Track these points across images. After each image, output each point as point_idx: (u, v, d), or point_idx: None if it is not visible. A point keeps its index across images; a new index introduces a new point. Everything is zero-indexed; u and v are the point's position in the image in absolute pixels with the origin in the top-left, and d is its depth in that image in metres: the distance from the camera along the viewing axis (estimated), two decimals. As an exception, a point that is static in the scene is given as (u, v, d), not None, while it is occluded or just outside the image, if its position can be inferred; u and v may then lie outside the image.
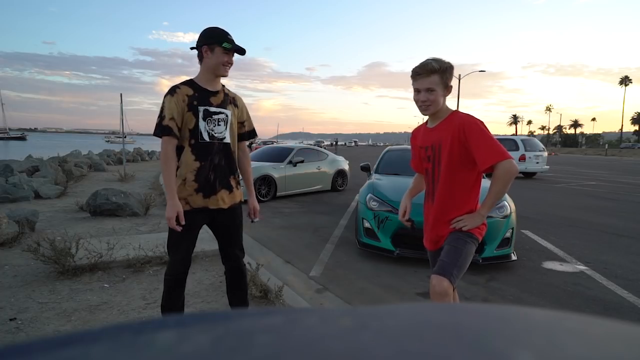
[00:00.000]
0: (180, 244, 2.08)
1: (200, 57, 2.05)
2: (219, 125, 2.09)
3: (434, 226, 1.95)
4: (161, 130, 1.98)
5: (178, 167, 2.03)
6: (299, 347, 0.23)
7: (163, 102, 2.00)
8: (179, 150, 2.04)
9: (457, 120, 1.81)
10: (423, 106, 1.82)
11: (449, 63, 1.79)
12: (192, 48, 2.07)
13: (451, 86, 1.83)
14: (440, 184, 1.89)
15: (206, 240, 3.75)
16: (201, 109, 2.03)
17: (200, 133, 2.04)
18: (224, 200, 2.13)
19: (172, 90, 2.02)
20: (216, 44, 2.00)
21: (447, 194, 1.88)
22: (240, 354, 0.22)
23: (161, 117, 1.98)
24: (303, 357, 0.22)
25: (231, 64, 2.07)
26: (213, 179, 2.08)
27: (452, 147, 1.81)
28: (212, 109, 2.07)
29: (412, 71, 1.83)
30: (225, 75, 2.08)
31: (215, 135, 2.09)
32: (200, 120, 2.03)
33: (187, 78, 2.12)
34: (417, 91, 1.82)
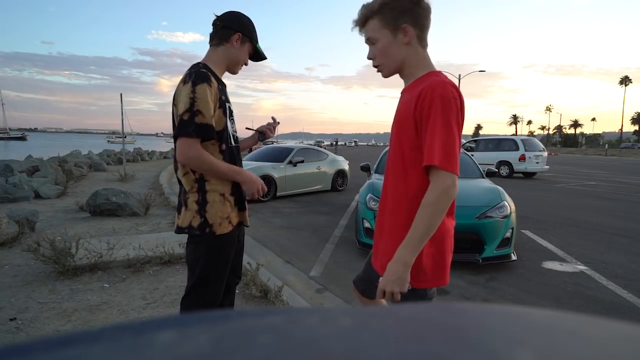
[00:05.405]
0: (226, 269, 1.71)
1: (222, 40, 1.67)
2: (235, 125, 1.79)
3: (377, 239, 1.35)
4: (199, 129, 1.50)
5: (206, 181, 1.61)
6: (299, 347, 0.23)
7: (194, 91, 1.51)
8: None
9: (422, 84, 1.18)
10: (378, 69, 1.31)
11: None
12: (217, 22, 1.66)
13: (406, 26, 1.21)
14: (386, 178, 1.31)
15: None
16: (227, 105, 1.68)
17: (229, 135, 1.69)
18: (247, 214, 1.83)
19: (207, 78, 1.55)
20: (250, 41, 1.70)
21: (390, 194, 1.28)
22: (240, 354, 0.22)
23: (193, 111, 1.49)
24: (303, 357, 0.22)
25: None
26: (243, 190, 1.78)
27: (403, 125, 1.21)
28: (231, 107, 1.75)
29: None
30: (234, 73, 1.79)
31: (237, 137, 1.80)
32: (228, 119, 1.68)
33: (198, 62, 1.69)
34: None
